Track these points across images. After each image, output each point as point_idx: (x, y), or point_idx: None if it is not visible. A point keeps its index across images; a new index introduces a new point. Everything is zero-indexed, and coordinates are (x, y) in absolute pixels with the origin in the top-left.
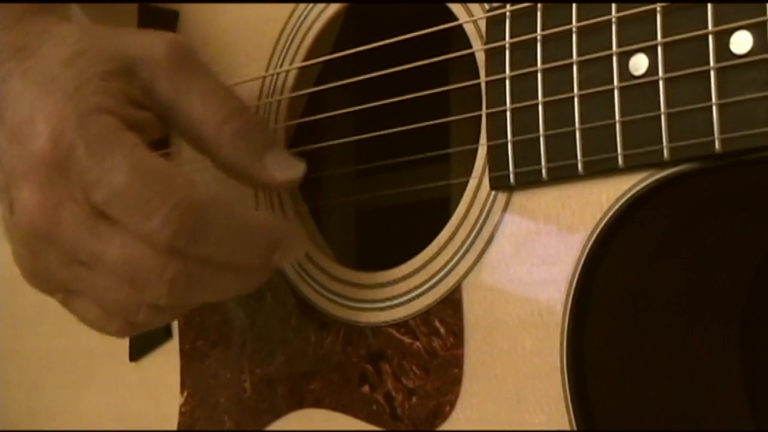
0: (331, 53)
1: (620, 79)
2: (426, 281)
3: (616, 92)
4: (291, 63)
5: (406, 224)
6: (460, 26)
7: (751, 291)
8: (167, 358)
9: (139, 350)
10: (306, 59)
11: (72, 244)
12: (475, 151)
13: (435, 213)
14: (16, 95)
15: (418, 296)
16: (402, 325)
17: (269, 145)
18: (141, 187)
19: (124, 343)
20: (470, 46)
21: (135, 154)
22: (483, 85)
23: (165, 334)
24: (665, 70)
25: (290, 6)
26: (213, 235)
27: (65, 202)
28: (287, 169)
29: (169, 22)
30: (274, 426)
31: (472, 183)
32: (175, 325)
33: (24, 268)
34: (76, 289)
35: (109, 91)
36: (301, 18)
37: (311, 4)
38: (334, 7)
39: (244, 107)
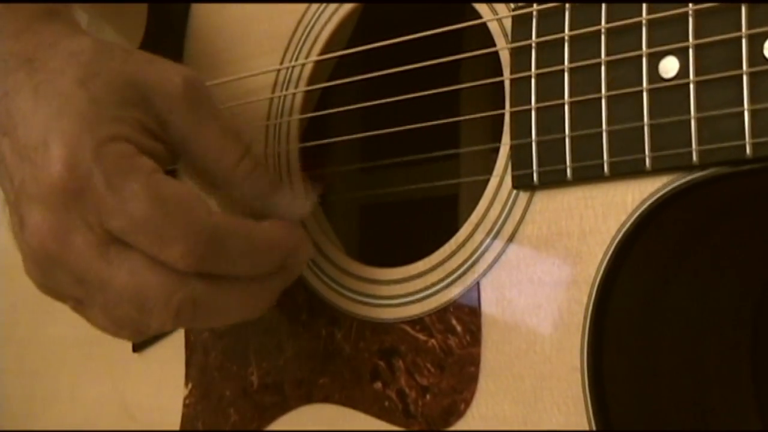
0: (346, 49)
1: (649, 82)
2: (443, 279)
3: (644, 94)
4: (307, 56)
5: (414, 221)
6: (475, 26)
7: (762, 295)
8: (171, 350)
9: (143, 341)
10: (322, 54)
11: (82, 268)
12: (490, 149)
13: (443, 210)
14: (28, 112)
15: (434, 293)
16: (417, 321)
17: (278, 184)
18: (160, 217)
19: None
20: (484, 46)
21: (153, 182)
22: (507, 84)
23: None
24: (696, 74)
25: None
26: (231, 258)
27: (77, 228)
28: (295, 207)
29: (180, 13)
30: (281, 420)
31: (493, 181)
32: None
33: (34, 281)
34: (86, 303)
35: (126, 120)
36: (318, 13)
37: None
38: (350, 4)
39: (250, 148)
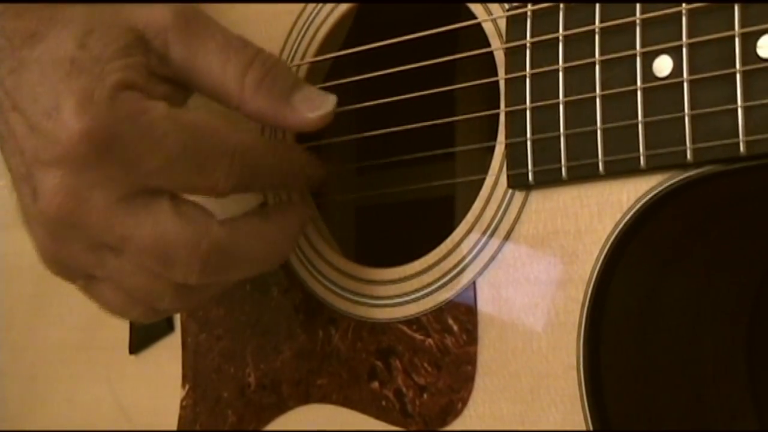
0: (341, 50)
1: (644, 81)
2: (439, 278)
3: (639, 93)
4: (302, 58)
5: (409, 222)
6: (470, 26)
7: (758, 293)
8: (168, 352)
9: (139, 343)
10: (317, 55)
11: (101, 227)
12: (484, 149)
13: (439, 211)
14: (35, 82)
15: (430, 293)
16: (413, 321)
17: (295, 85)
18: (196, 145)
19: (124, 336)
20: (479, 46)
21: (175, 116)
22: (502, 83)
23: (166, 328)
24: (690, 72)
25: None
26: (265, 173)
27: (98, 185)
28: (318, 105)
29: None
30: (279, 420)
31: (489, 181)
32: (177, 318)
33: (46, 255)
34: (99, 275)
35: (131, 66)
36: (314, 13)
37: None
38: (346, 4)
39: (262, 52)
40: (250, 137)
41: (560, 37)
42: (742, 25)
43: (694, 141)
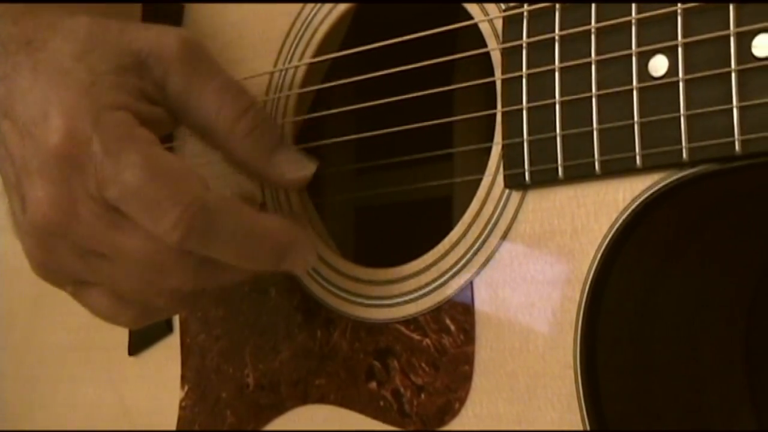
0: (339, 51)
1: (639, 80)
2: (436, 278)
3: (635, 93)
4: (300, 59)
5: (407, 222)
6: (467, 26)
7: (755, 292)
8: (167, 353)
9: (138, 344)
10: (315, 56)
11: (89, 236)
12: (482, 149)
13: (437, 211)
14: (27, 89)
15: (428, 293)
16: (411, 321)
17: (279, 144)
18: (153, 187)
19: (123, 338)
20: (478, 46)
21: (149, 152)
22: (498, 84)
23: (165, 329)
24: (685, 72)
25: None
26: (222, 238)
27: (80, 198)
28: (297, 168)
29: (173, 15)
30: (277, 421)
31: (486, 181)
32: (176, 319)
33: (35, 263)
34: (89, 280)
35: (124, 86)
36: (311, 14)
37: None
38: (344, 4)
39: (257, 103)
40: (218, 198)
41: (556, 37)
42: (737, 25)
43: (689, 140)
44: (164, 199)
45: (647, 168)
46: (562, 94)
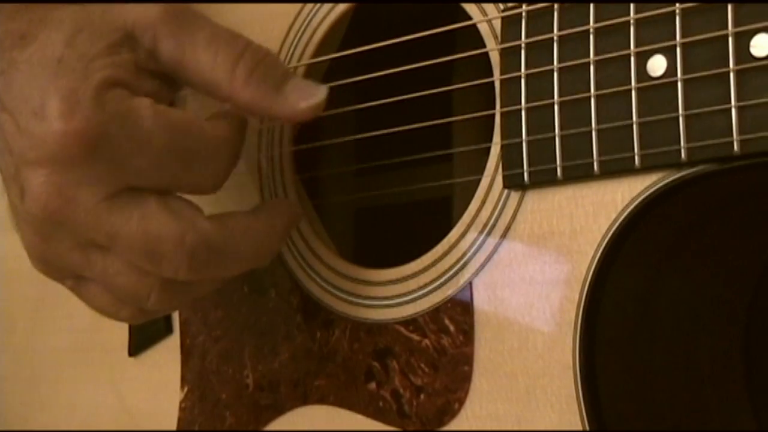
0: (338, 51)
1: (638, 80)
2: (436, 279)
3: (633, 93)
4: (299, 60)
5: (407, 223)
6: (467, 27)
7: (754, 293)
8: (167, 354)
9: (138, 346)
10: (314, 56)
11: (88, 225)
12: (481, 150)
13: (436, 212)
14: (24, 81)
15: (427, 294)
16: (410, 322)
17: (286, 76)
18: (183, 142)
19: (123, 339)
20: (477, 47)
21: (161, 114)
22: (497, 84)
23: (165, 330)
24: (684, 72)
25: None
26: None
27: (83, 184)
28: (309, 95)
29: None
30: (277, 422)
31: (484, 181)
32: (175, 320)
33: (34, 255)
34: (86, 276)
35: (118, 63)
36: (310, 15)
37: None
38: (343, 5)
39: (251, 44)
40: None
41: (555, 38)
42: (736, 25)
43: (688, 140)
44: (195, 151)
45: (646, 168)
46: (560, 95)
